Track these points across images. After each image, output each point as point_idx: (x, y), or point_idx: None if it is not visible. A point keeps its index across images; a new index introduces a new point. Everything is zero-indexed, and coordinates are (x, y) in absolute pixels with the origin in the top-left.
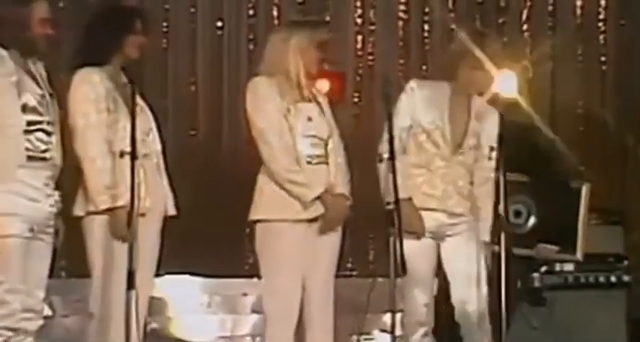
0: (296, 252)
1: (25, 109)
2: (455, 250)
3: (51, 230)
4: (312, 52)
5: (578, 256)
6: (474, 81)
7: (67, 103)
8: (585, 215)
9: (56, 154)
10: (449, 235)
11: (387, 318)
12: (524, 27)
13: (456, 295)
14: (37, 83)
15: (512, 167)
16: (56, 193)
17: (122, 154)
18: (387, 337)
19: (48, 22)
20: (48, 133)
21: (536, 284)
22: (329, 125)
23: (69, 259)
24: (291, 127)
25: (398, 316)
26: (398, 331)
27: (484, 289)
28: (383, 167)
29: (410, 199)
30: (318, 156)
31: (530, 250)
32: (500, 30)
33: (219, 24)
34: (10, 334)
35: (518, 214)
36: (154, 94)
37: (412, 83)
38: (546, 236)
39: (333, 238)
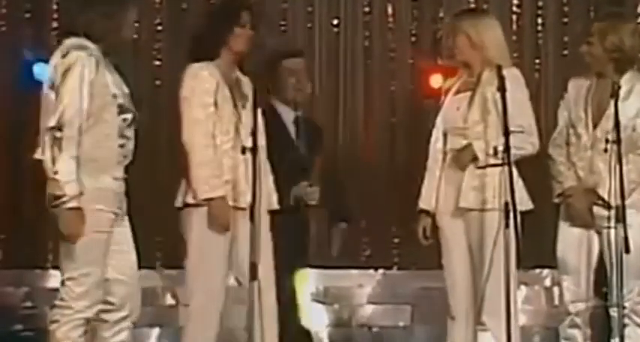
0: (454, 239)
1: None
2: None
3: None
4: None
5: None
6: None
7: (179, 97)
8: None
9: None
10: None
11: None
12: None
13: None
14: None
15: None
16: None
17: (244, 150)
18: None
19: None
20: None
21: None
22: (480, 115)
23: None
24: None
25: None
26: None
27: None
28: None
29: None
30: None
31: None
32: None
33: (336, 22)
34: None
35: None
36: None
37: None
38: None
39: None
